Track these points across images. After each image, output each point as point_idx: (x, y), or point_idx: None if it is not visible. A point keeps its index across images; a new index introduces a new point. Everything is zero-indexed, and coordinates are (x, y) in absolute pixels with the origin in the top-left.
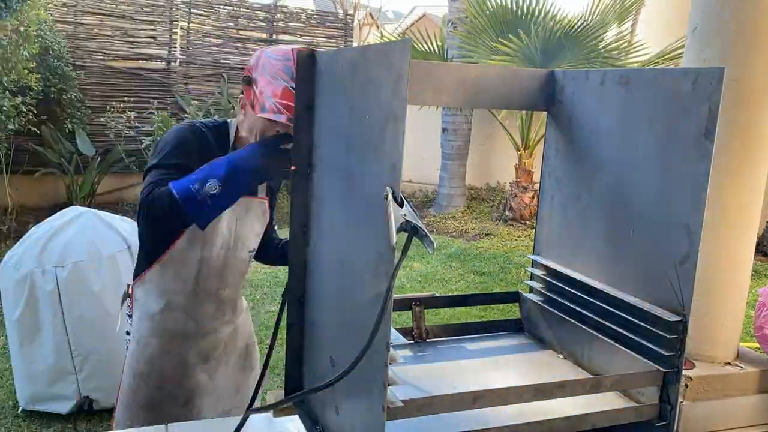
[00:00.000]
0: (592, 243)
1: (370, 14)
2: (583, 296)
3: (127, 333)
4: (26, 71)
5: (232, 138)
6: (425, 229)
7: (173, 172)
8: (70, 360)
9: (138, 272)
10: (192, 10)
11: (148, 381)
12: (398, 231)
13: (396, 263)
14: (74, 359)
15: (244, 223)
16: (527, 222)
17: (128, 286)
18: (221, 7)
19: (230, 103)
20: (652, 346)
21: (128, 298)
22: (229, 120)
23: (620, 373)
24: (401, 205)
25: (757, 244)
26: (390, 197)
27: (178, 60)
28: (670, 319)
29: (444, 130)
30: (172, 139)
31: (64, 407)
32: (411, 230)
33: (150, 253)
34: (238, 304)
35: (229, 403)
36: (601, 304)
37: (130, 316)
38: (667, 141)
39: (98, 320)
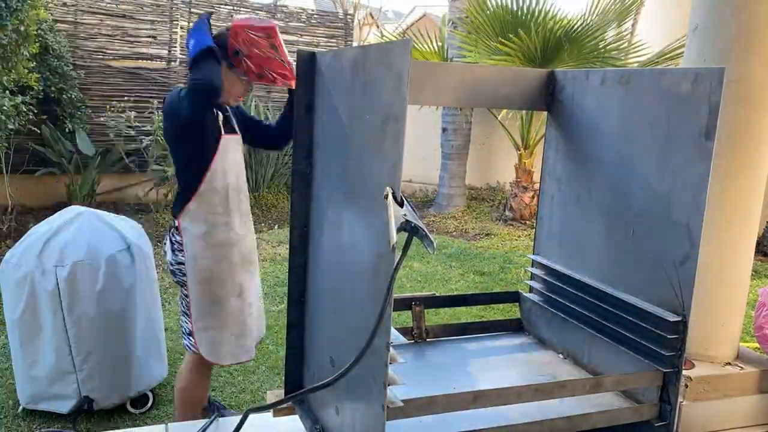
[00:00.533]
0: (592, 243)
1: (371, 14)
2: (583, 296)
3: (179, 263)
4: (26, 71)
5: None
6: (425, 229)
7: None
8: (70, 360)
9: (178, 209)
10: (192, 10)
11: (211, 283)
12: (398, 231)
13: (396, 263)
14: (74, 359)
15: (239, 156)
16: (527, 222)
17: (174, 220)
18: (221, 6)
19: None
20: (652, 346)
21: (174, 231)
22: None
23: (620, 373)
24: (401, 205)
25: (757, 244)
26: (390, 197)
27: (178, 60)
28: (670, 319)
29: (444, 130)
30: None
31: (64, 407)
32: (411, 230)
33: (187, 190)
34: (250, 218)
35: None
36: (601, 304)
37: (178, 250)
38: (667, 141)
39: (98, 320)
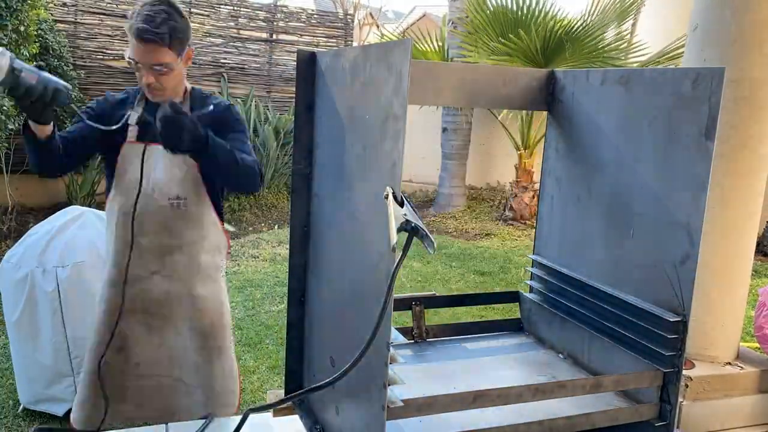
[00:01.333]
0: (592, 243)
1: (371, 14)
2: (583, 296)
3: None
4: None
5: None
6: (425, 229)
7: None
8: (68, 362)
9: None
10: (192, 10)
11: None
12: (398, 231)
13: (396, 263)
14: (72, 361)
15: (158, 172)
16: (527, 222)
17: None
18: (221, 6)
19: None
20: (652, 346)
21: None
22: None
23: (620, 373)
24: (401, 204)
25: (757, 244)
26: (390, 197)
27: None
28: (670, 319)
29: (444, 129)
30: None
31: (60, 409)
32: (411, 230)
33: None
34: (168, 259)
35: (191, 379)
36: (601, 304)
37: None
38: (667, 141)
39: None
